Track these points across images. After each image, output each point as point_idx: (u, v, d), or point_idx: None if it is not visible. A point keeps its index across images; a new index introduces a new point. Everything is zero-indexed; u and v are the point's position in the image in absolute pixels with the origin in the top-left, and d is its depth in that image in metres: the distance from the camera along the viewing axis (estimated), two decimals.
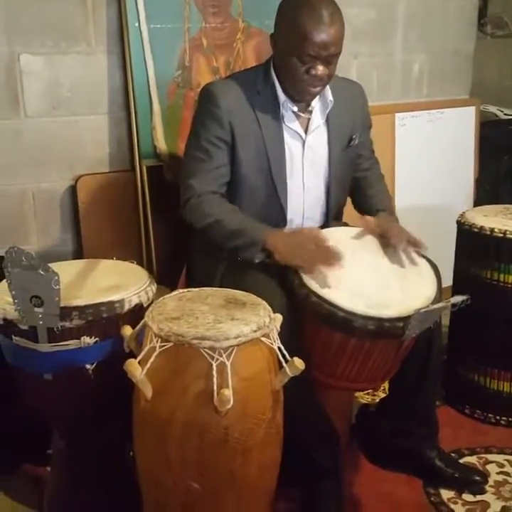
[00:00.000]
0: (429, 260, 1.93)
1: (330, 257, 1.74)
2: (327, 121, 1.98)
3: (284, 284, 1.79)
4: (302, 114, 1.94)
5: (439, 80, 3.23)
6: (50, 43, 2.25)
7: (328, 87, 1.91)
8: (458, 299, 1.73)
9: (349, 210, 2.18)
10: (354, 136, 2.03)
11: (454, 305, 1.74)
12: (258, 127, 1.88)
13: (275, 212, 1.95)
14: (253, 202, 1.92)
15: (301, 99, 1.90)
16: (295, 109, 1.91)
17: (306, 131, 1.95)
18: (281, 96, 1.89)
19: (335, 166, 2.00)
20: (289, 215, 1.97)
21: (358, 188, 2.13)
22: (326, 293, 1.68)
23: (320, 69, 1.78)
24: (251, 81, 1.91)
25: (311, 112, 1.95)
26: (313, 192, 2.01)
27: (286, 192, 1.94)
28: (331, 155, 1.99)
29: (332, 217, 2.07)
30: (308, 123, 1.95)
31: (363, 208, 2.09)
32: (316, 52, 1.75)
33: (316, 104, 1.95)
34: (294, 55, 1.77)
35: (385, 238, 1.87)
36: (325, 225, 2.07)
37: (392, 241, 1.85)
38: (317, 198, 2.03)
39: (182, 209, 1.90)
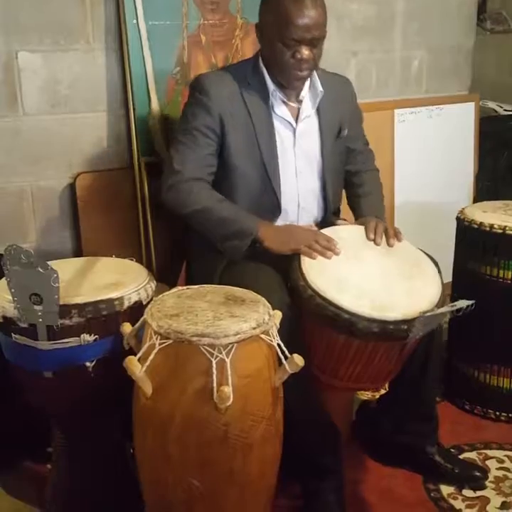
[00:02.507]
0: (430, 257, 1.93)
1: (325, 238, 1.79)
2: (318, 111, 2.01)
3: (284, 280, 1.80)
4: (291, 104, 1.97)
5: (439, 76, 3.23)
6: (48, 41, 2.24)
7: (317, 77, 1.96)
8: (463, 303, 1.71)
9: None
10: (343, 128, 2.05)
11: (458, 310, 1.71)
12: (248, 116, 1.92)
13: (269, 201, 1.96)
14: (247, 191, 1.94)
15: (290, 85, 1.93)
16: (285, 98, 1.94)
17: (296, 120, 1.98)
18: (270, 85, 1.93)
19: (328, 156, 2.02)
20: (283, 204, 1.98)
21: (351, 184, 2.14)
22: (330, 294, 1.68)
23: (305, 53, 1.83)
24: (242, 73, 1.95)
25: (301, 102, 1.98)
26: (307, 181, 2.02)
27: (279, 179, 1.96)
28: (324, 145, 2.02)
29: (331, 211, 2.08)
30: (298, 112, 1.98)
31: (353, 207, 2.11)
32: (300, 36, 1.80)
33: (305, 93, 1.98)
34: (279, 41, 1.82)
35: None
36: (324, 219, 2.08)
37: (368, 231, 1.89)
38: (312, 189, 2.04)
39: (165, 193, 1.89)
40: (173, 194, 1.88)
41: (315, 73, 1.96)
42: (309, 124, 2.00)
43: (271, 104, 1.94)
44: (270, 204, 1.96)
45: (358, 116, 2.17)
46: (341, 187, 2.13)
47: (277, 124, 1.96)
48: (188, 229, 2.10)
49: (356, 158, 2.16)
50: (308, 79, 1.96)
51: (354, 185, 2.15)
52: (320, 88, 1.97)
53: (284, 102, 1.95)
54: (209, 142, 1.89)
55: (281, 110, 1.96)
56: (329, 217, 2.08)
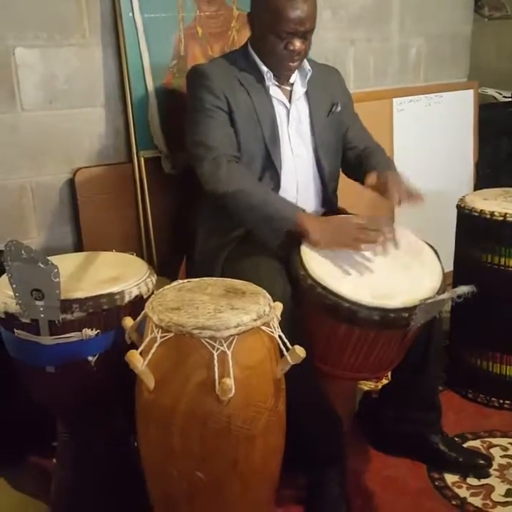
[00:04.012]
0: (430, 246, 1.93)
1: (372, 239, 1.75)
2: (307, 93, 2.05)
3: (286, 271, 1.80)
4: (283, 86, 2.02)
5: (437, 64, 3.22)
6: (44, 36, 2.23)
7: (305, 59, 2.01)
8: (464, 289, 1.70)
9: (347, 196, 2.17)
10: (335, 104, 2.09)
11: (459, 295, 1.72)
12: (248, 97, 1.96)
13: (269, 180, 1.98)
14: (250, 169, 1.95)
15: (281, 75, 1.98)
16: (276, 82, 2.00)
17: (289, 101, 2.03)
18: (263, 68, 1.97)
19: (318, 133, 2.05)
20: (283, 182, 1.99)
21: (357, 162, 2.10)
22: (331, 284, 1.68)
23: (297, 44, 1.89)
24: (232, 61, 2.02)
25: (292, 85, 2.03)
26: (304, 161, 2.05)
27: (280, 157, 1.98)
28: (313, 122, 2.05)
29: (329, 191, 2.09)
30: (290, 93, 2.03)
31: (361, 171, 2.01)
32: (293, 29, 1.86)
33: (295, 77, 2.03)
34: (272, 33, 1.87)
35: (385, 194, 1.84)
36: (324, 203, 2.09)
37: (390, 193, 1.82)
38: (309, 168, 2.05)
39: (202, 169, 1.89)
40: (211, 174, 1.87)
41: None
42: (301, 105, 2.05)
43: (267, 86, 1.98)
44: (270, 182, 1.98)
45: (349, 97, 2.20)
46: (337, 166, 2.14)
47: (275, 104, 2.00)
48: (190, 221, 2.11)
49: (359, 146, 2.14)
50: None
51: (361, 158, 2.09)
52: (308, 66, 2.02)
53: (277, 85, 2.01)
54: (224, 117, 1.93)
55: (275, 92, 2.01)
56: (328, 199, 2.09)
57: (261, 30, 1.92)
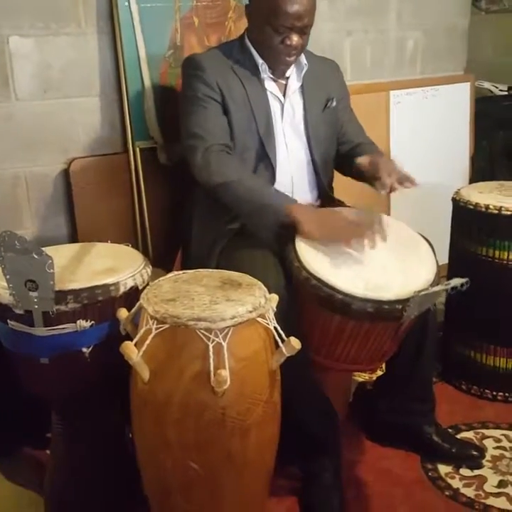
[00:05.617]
0: (424, 238, 1.93)
1: (363, 234, 1.74)
2: (302, 87, 2.03)
3: (281, 263, 1.80)
4: (279, 80, 2.01)
5: (434, 57, 3.21)
6: (39, 25, 2.21)
7: (302, 53, 1.99)
8: (457, 281, 1.71)
9: (342, 190, 2.17)
10: (331, 99, 2.07)
11: (453, 288, 1.72)
12: (243, 88, 1.95)
13: (264, 173, 1.97)
14: (244, 162, 1.95)
15: (277, 68, 1.97)
16: (272, 75, 1.99)
17: (284, 95, 2.02)
18: (259, 60, 1.96)
19: (313, 127, 2.04)
20: (278, 175, 1.98)
21: (349, 155, 2.10)
22: (325, 276, 1.68)
23: (294, 39, 1.86)
24: (228, 51, 1.99)
25: (287, 79, 2.02)
26: (298, 154, 2.04)
27: (275, 150, 1.97)
28: (307, 117, 2.04)
29: (324, 185, 2.09)
30: (285, 87, 2.02)
31: (357, 168, 2.01)
32: (290, 24, 1.83)
33: (291, 71, 2.01)
34: (269, 26, 1.85)
35: (377, 178, 1.84)
36: (319, 196, 2.09)
37: (382, 180, 1.81)
38: (303, 162, 2.05)
39: (194, 160, 1.87)
40: (203, 165, 1.86)
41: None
42: (295, 99, 2.04)
43: (262, 78, 1.97)
44: (265, 175, 1.97)
45: (346, 91, 2.18)
46: (332, 161, 2.13)
47: (269, 97, 1.99)
48: (186, 213, 2.10)
49: (354, 141, 2.14)
50: None
51: (353, 152, 2.09)
52: (304, 61, 2.01)
53: (272, 78, 1.99)
54: (216, 108, 1.92)
55: (270, 85, 2.00)
56: (322, 192, 2.09)
57: (258, 23, 1.90)
